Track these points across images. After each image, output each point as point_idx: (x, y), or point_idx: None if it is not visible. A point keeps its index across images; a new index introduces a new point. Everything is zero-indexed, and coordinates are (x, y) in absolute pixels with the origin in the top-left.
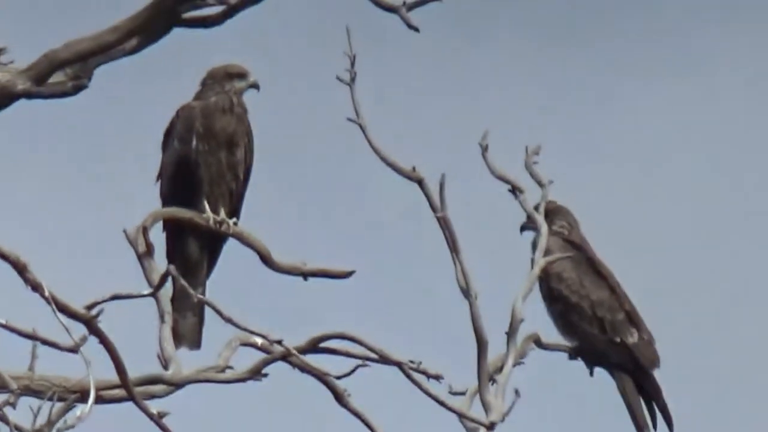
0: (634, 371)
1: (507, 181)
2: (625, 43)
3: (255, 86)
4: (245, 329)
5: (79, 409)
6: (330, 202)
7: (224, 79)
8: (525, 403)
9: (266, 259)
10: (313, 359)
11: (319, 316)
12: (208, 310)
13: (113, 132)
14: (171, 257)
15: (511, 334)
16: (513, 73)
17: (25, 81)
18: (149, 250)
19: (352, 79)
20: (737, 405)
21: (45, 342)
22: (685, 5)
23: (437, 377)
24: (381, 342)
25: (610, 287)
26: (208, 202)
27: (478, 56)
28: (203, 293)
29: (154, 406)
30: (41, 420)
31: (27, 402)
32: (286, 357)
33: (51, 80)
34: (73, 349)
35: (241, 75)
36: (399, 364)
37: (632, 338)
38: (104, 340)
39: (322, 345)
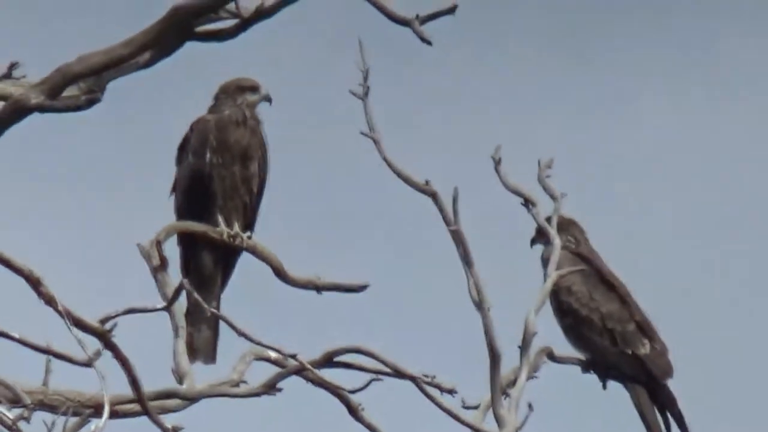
0: (648, 382)
1: (520, 194)
2: (638, 53)
3: (267, 99)
4: (259, 343)
5: (94, 424)
6: (343, 215)
7: (236, 93)
8: (538, 416)
9: (280, 273)
10: (327, 373)
11: (332, 330)
12: (222, 324)
13: (126, 146)
14: (186, 271)
15: (524, 347)
16: (526, 86)
17: (38, 95)
18: (163, 264)
19: (366, 93)
20: (754, 413)
21: (59, 356)
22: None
23: (451, 391)
24: (394, 356)
25: (620, 298)
26: (222, 216)
27: (490, 69)
28: (218, 307)
29: (168, 420)
30: None
31: (41, 417)
32: (300, 371)
33: (64, 94)
34: (88, 364)
35: (254, 88)
36: (413, 378)
37: (644, 349)
38: (118, 355)
39: (336, 359)
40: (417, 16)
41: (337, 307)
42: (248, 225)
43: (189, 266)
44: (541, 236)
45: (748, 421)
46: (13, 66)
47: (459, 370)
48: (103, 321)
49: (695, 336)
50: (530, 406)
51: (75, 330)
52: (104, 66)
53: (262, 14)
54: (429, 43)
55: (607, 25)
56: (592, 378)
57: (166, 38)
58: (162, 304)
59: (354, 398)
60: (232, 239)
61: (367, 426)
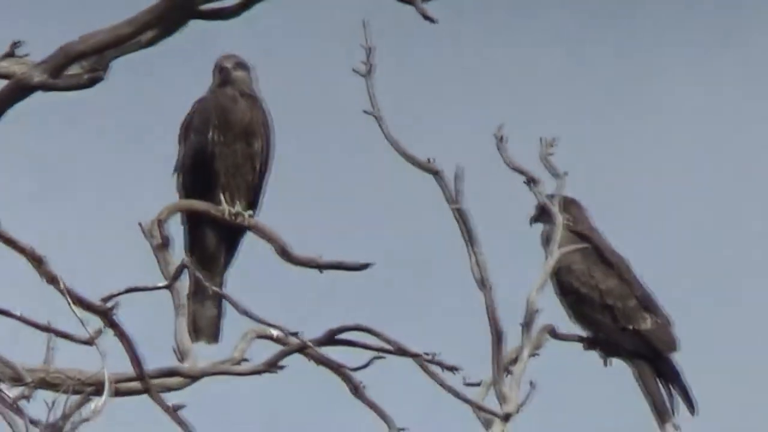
0: (651, 357)
1: (522, 173)
2: (658, 25)
3: (223, 73)
4: (261, 321)
5: (95, 402)
6: (346, 194)
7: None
8: (540, 394)
9: (283, 252)
10: (329, 351)
11: (335, 308)
12: (226, 304)
13: (129, 124)
14: (190, 250)
15: (526, 325)
16: (529, 64)
17: (41, 73)
18: (165, 243)
19: (369, 72)
20: (761, 386)
21: (60, 335)
22: None
23: (453, 369)
24: (397, 334)
25: (620, 275)
26: (225, 194)
27: (496, 46)
28: (222, 286)
29: (169, 398)
30: (57, 413)
31: (43, 395)
32: (302, 349)
33: (67, 73)
34: (89, 342)
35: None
36: (415, 356)
37: (645, 324)
38: (120, 333)
39: (339, 337)
40: None
41: (339, 286)
42: (251, 203)
43: (193, 245)
44: (541, 214)
45: (755, 393)
46: (15, 45)
47: (461, 349)
48: (105, 300)
49: (702, 309)
50: (532, 383)
51: (76, 309)
52: (107, 45)
53: None
54: (433, 21)
55: (612, 10)
56: (594, 355)
57: (169, 17)
58: (164, 282)
59: (356, 376)
60: (234, 218)
61: (369, 404)
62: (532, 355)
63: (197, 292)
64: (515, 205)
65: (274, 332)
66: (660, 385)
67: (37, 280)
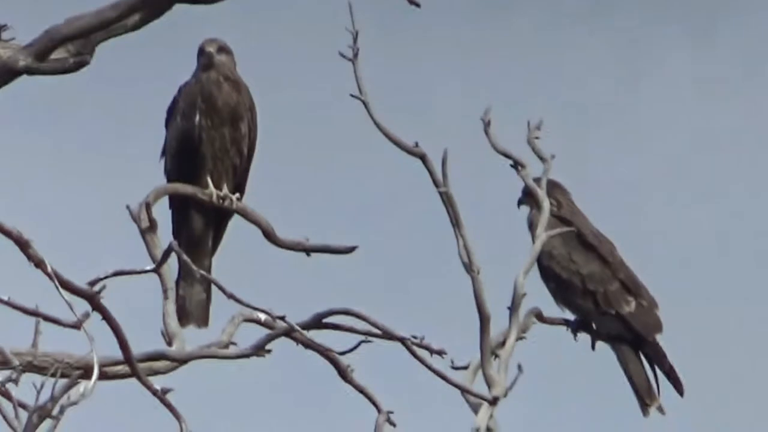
0: (635, 341)
1: (509, 157)
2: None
3: (206, 55)
4: (248, 305)
5: (83, 386)
6: (333, 177)
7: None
8: (528, 377)
9: (269, 235)
10: (316, 335)
11: (322, 292)
12: (215, 288)
13: (116, 108)
14: (177, 233)
15: (513, 308)
16: (517, 47)
17: (26, 57)
18: (152, 227)
19: (355, 55)
20: (750, 364)
21: (48, 319)
22: None
23: (440, 352)
24: (384, 318)
25: (602, 258)
26: (212, 178)
27: (479, 31)
28: (209, 270)
29: (157, 382)
30: (44, 397)
31: (30, 379)
32: (289, 333)
33: (53, 56)
34: (76, 326)
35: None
36: (402, 340)
37: (628, 308)
38: (107, 317)
39: (326, 321)
40: None
41: (326, 270)
42: (238, 187)
43: (181, 229)
44: (527, 198)
45: (745, 373)
46: (1, 28)
47: (448, 332)
48: (92, 283)
49: (687, 290)
50: (519, 367)
51: (64, 292)
52: (93, 28)
53: None
54: (417, 5)
55: None
56: (581, 339)
57: (154, 1)
58: (151, 266)
59: (343, 360)
60: (221, 201)
61: (357, 387)
62: (519, 338)
63: (185, 275)
64: (502, 188)
65: (261, 316)
66: (644, 368)
67: (24, 264)
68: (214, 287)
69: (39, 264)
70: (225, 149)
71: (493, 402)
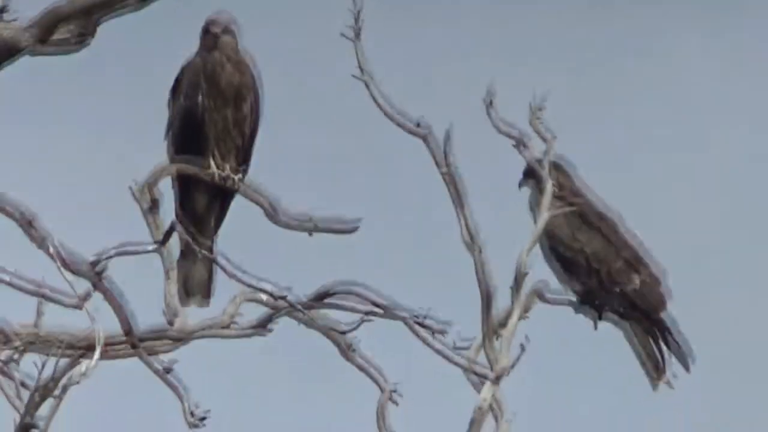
0: (640, 317)
1: (511, 136)
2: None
3: (212, 33)
4: (250, 285)
5: (85, 365)
6: (335, 158)
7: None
8: (530, 356)
9: (271, 215)
10: (318, 314)
11: (324, 271)
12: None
13: (119, 88)
14: (180, 213)
15: (515, 287)
16: (517, 27)
17: (29, 37)
18: (155, 206)
19: (357, 35)
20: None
21: (50, 298)
22: None
23: (442, 332)
24: (386, 297)
25: (606, 237)
26: (214, 158)
27: (481, 7)
28: (212, 249)
29: (159, 361)
30: (46, 376)
31: (32, 358)
32: (291, 312)
33: (55, 36)
34: (78, 306)
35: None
36: (404, 319)
37: (633, 285)
38: (109, 296)
39: (327, 300)
40: None
41: (328, 249)
42: (241, 166)
43: (184, 208)
44: (528, 178)
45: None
46: (3, 9)
47: (451, 311)
48: (94, 263)
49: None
50: (522, 346)
51: (66, 272)
52: (95, 7)
53: None
54: None
55: None
56: (583, 317)
57: None
58: (153, 245)
59: (345, 338)
60: (223, 181)
61: (359, 366)
62: (522, 317)
63: (188, 254)
64: (504, 167)
65: (263, 295)
66: (652, 343)
67: (27, 243)
68: (215, 266)
69: (42, 245)
70: (227, 129)
71: (495, 381)
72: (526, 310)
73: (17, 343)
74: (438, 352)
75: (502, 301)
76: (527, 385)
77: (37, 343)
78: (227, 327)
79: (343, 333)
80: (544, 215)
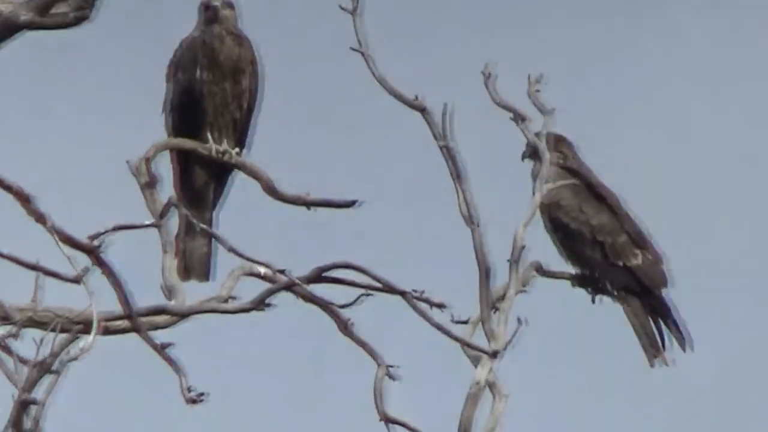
0: (641, 293)
1: (510, 110)
2: None
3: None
4: (249, 259)
5: (83, 341)
6: (334, 132)
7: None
8: (529, 331)
9: (270, 190)
10: (316, 289)
11: (322, 246)
12: (216, 242)
13: (117, 63)
14: (178, 188)
15: (513, 261)
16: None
17: (27, 12)
18: (152, 181)
19: (355, 8)
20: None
21: (48, 273)
22: None
23: (440, 306)
24: (384, 272)
25: (611, 210)
26: (212, 133)
27: None
28: (210, 224)
29: (158, 337)
30: (45, 352)
31: (31, 333)
32: (290, 287)
33: (54, 11)
34: (77, 280)
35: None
36: (402, 293)
37: (636, 260)
38: (108, 271)
39: (326, 275)
40: None
41: (327, 224)
42: (239, 141)
43: (182, 183)
44: (532, 151)
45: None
46: None
47: (449, 286)
48: (92, 237)
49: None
50: (520, 320)
51: (64, 247)
52: None
53: None
54: None
55: None
56: (583, 292)
57: None
58: (151, 220)
59: (344, 313)
60: (221, 156)
61: (357, 341)
62: (520, 291)
63: (187, 230)
64: (503, 142)
65: (262, 270)
66: (651, 321)
67: (25, 219)
68: (215, 241)
69: (39, 219)
70: (226, 104)
71: (494, 356)
72: (524, 284)
73: (16, 319)
74: (436, 326)
75: (501, 277)
76: (525, 361)
77: (36, 318)
78: (226, 301)
79: (343, 307)
80: (542, 188)
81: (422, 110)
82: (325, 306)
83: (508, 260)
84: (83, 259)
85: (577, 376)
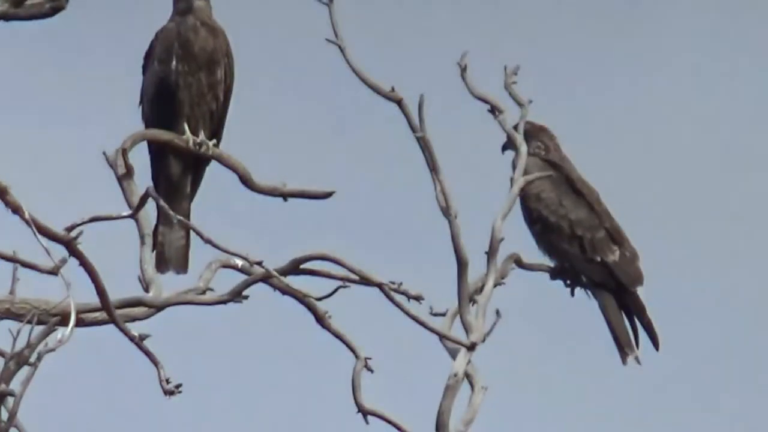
0: (616, 289)
1: (486, 101)
2: None
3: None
4: (226, 251)
5: (60, 332)
6: (309, 123)
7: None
8: (506, 323)
9: (246, 181)
10: (293, 281)
11: (299, 238)
12: (194, 235)
13: (93, 54)
14: (155, 179)
15: (491, 253)
16: None
17: (2, 3)
18: (129, 173)
19: (331, 0)
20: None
21: (25, 264)
22: None
23: (418, 298)
24: (362, 263)
25: (590, 205)
26: (189, 124)
27: None
28: (188, 215)
29: (135, 328)
30: (21, 343)
31: (7, 325)
32: (266, 278)
33: (29, 2)
34: (53, 272)
35: None
36: (379, 285)
37: (613, 256)
38: (84, 263)
39: (303, 266)
40: None
41: (303, 215)
42: (214, 133)
43: (158, 175)
44: (512, 142)
45: (719, 325)
46: None
47: (426, 278)
48: (69, 229)
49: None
50: (498, 312)
51: (41, 238)
52: None
53: None
54: None
55: None
56: (561, 285)
57: None
58: (128, 212)
59: (321, 305)
60: (197, 147)
61: (334, 333)
62: (498, 284)
63: (164, 221)
64: (479, 133)
65: (239, 262)
66: (624, 318)
67: (1, 210)
68: (192, 233)
69: (16, 210)
70: (202, 94)
71: (471, 348)
72: (502, 276)
73: None
74: (414, 318)
75: (478, 268)
76: (502, 353)
77: (13, 310)
78: (203, 293)
79: (320, 299)
80: (519, 180)
81: (398, 101)
82: (302, 298)
83: (485, 252)
84: (60, 251)
85: (554, 368)
